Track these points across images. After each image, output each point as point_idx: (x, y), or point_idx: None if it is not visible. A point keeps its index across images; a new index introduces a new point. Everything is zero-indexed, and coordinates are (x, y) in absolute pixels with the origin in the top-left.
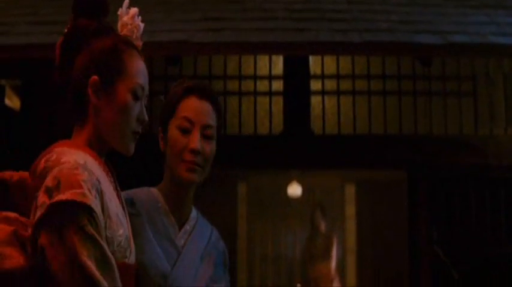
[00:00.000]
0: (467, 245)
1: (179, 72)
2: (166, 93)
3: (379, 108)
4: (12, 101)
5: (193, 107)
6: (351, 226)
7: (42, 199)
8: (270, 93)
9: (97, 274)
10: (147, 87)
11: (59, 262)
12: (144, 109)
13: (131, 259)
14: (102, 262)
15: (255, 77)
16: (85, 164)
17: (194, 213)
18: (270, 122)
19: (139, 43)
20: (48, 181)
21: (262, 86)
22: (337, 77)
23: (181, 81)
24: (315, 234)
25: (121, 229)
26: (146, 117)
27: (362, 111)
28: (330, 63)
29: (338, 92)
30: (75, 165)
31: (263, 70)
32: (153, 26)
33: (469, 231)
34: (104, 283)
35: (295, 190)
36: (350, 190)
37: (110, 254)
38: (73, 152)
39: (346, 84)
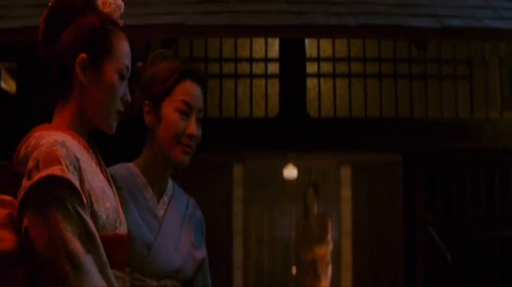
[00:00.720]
0: (462, 228)
1: (175, 55)
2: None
3: (375, 91)
4: (8, 84)
5: (192, 92)
6: (346, 208)
7: (24, 182)
8: (266, 76)
9: (81, 249)
10: (130, 68)
11: (43, 240)
12: (128, 90)
13: (122, 230)
14: (86, 236)
15: (250, 60)
16: (63, 142)
17: (170, 184)
18: (266, 104)
19: (120, 23)
20: (29, 165)
21: (258, 68)
22: (333, 59)
23: (161, 54)
24: (307, 214)
25: (107, 201)
26: (129, 98)
27: (358, 94)
28: (326, 46)
29: (334, 75)
30: (53, 143)
31: (259, 53)
32: (148, 9)
33: (464, 214)
34: (89, 258)
35: (291, 172)
36: (346, 173)
37: (93, 228)
38: (52, 134)
39: (342, 67)
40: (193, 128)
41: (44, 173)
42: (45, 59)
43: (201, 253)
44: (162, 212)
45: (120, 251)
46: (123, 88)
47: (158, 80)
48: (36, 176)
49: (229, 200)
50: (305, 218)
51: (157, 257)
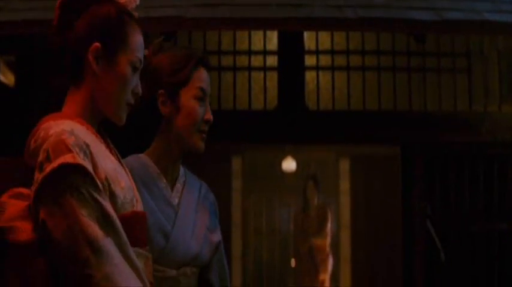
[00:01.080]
0: (460, 221)
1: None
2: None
3: (373, 84)
4: (7, 77)
5: (206, 79)
6: (345, 201)
7: (36, 175)
8: (265, 69)
9: (100, 233)
10: (142, 61)
11: (60, 229)
12: (139, 82)
13: (139, 207)
14: (104, 219)
15: (249, 53)
16: (72, 131)
17: (182, 171)
18: (265, 97)
19: (135, 15)
20: (40, 157)
21: (256, 61)
22: (332, 52)
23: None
24: (307, 206)
25: (122, 181)
26: (140, 91)
27: (356, 87)
28: (324, 39)
29: (332, 68)
30: (61, 132)
31: (257, 45)
32: (147, 1)
33: (462, 207)
34: (109, 240)
35: (289, 164)
36: (344, 165)
37: (111, 210)
38: (60, 123)
39: (340, 60)
40: (210, 114)
41: (55, 163)
42: (59, 45)
43: (217, 236)
44: (176, 200)
45: (140, 228)
46: (135, 80)
47: (173, 70)
48: (48, 167)
49: (228, 192)
50: (304, 210)
51: (175, 246)
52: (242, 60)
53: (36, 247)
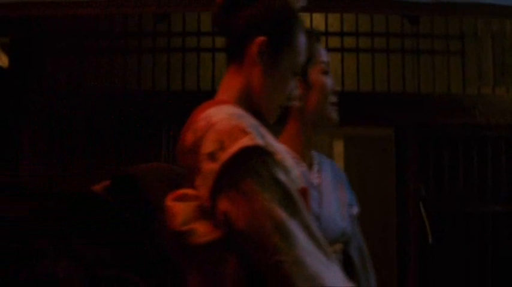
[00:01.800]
0: (453, 202)
1: (168, 29)
2: (155, 50)
3: (367, 65)
4: (1, 59)
5: (324, 53)
6: None
7: (207, 166)
8: None
9: (285, 215)
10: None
11: (245, 218)
12: (296, 86)
13: (303, 183)
14: (286, 199)
15: None
16: (238, 113)
17: (312, 151)
18: None
19: (301, 15)
20: (208, 147)
21: None
22: (326, 34)
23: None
24: None
25: (287, 159)
26: (296, 95)
27: (350, 69)
28: (318, 21)
29: (326, 50)
30: (228, 118)
31: None
32: None
33: (456, 188)
34: (294, 222)
35: None
36: (338, 147)
37: (291, 188)
38: (220, 109)
39: (334, 42)
40: (335, 84)
41: (233, 148)
42: (221, 26)
43: (356, 209)
44: (317, 181)
45: (308, 203)
46: (293, 84)
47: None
48: (225, 155)
49: None
50: None
51: (327, 226)
52: None
53: (221, 245)
